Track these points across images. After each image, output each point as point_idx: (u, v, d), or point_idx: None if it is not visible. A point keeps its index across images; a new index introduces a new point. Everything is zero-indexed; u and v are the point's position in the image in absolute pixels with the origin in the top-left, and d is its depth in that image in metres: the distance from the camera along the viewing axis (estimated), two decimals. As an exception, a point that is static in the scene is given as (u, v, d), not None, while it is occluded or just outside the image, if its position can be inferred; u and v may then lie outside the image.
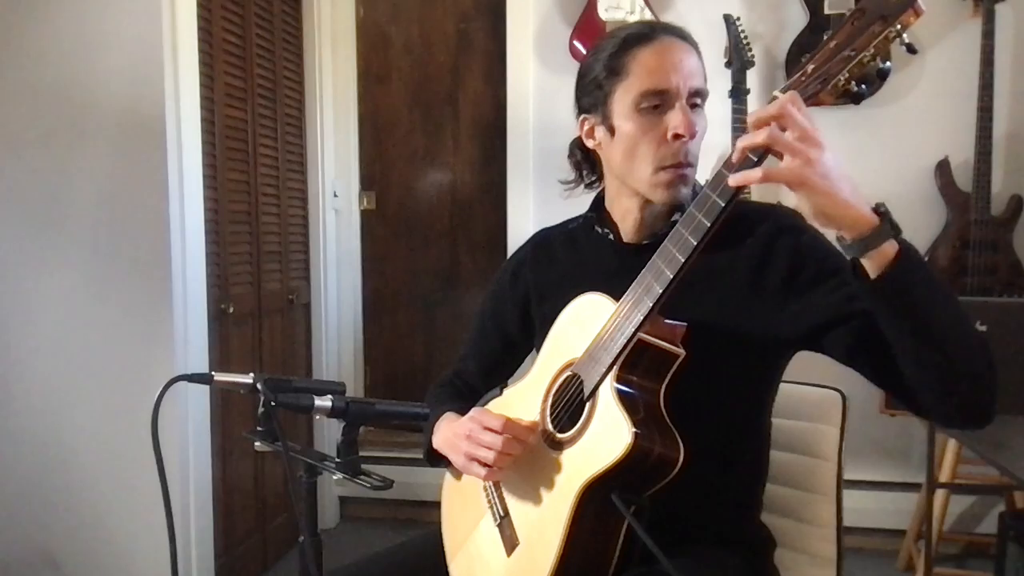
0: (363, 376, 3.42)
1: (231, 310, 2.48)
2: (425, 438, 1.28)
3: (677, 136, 1.08)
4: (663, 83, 1.09)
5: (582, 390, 1.08)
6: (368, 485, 1.14)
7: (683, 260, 0.97)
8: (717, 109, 2.63)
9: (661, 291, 0.99)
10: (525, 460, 1.12)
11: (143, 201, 2.17)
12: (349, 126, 3.29)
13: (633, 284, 1.03)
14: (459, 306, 3.35)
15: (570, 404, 1.10)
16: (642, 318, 1.00)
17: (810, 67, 0.88)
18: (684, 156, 1.10)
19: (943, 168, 2.70)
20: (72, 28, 2.17)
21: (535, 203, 3.02)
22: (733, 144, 0.92)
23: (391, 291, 3.42)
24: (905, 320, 0.92)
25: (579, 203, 1.33)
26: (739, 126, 2.60)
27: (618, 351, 1.02)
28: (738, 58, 2.65)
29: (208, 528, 2.34)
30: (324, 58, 3.12)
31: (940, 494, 2.39)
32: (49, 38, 2.18)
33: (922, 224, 2.73)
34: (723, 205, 0.92)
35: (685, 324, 1.06)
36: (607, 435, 1.01)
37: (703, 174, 1.11)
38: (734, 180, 0.91)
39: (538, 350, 1.23)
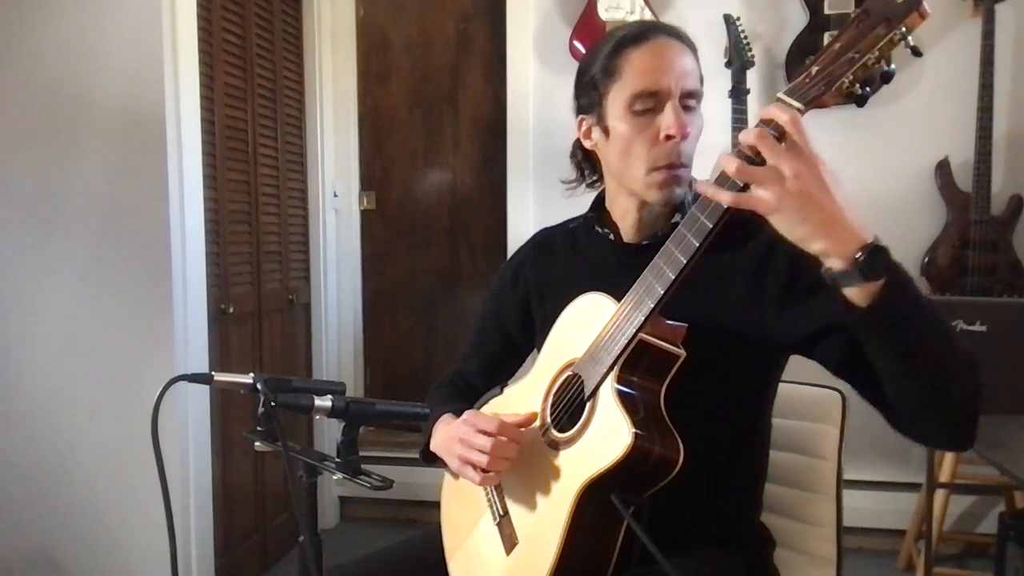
0: (363, 376, 3.42)
1: (231, 310, 2.48)
2: (423, 439, 1.28)
3: (669, 137, 1.08)
4: (654, 84, 1.09)
5: (582, 390, 1.08)
6: (368, 485, 1.14)
7: (685, 261, 0.96)
8: (717, 109, 2.63)
9: (662, 292, 0.99)
10: (525, 460, 1.12)
11: (143, 201, 2.17)
12: (349, 126, 3.29)
13: (635, 285, 1.03)
14: (459, 306, 3.35)
15: (570, 404, 1.10)
16: (643, 319, 1.00)
17: (814, 69, 0.87)
18: (677, 157, 1.10)
19: (943, 168, 2.70)
20: (72, 28, 2.17)
21: (535, 203, 3.02)
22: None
23: (391, 291, 3.42)
24: (888, 349, 0.91)
25: (579, 203, 1.32)
26: (739, 126, 2.60)
27: (619, 351, 1.02)
28: (738, 58, 2.64)
29: (208, 528, 2.34)
30: (324, 58, 3.12)
31: (940, 494, 2.39)
32: (49, 38, 2.18)
33: (922, 224, 2.73)
34: (725, 207, 0.92)
35: (686, 325, 1.06)
36: (607, 435, 1.01)
37: (703, 174, 1.11)
38: (702, 188, 0.91)
39: (539, 350, 1.23)
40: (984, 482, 2.62)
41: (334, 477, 1.15)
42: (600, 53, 1.14)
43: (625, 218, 1.20)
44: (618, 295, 1.07)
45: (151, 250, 2.17)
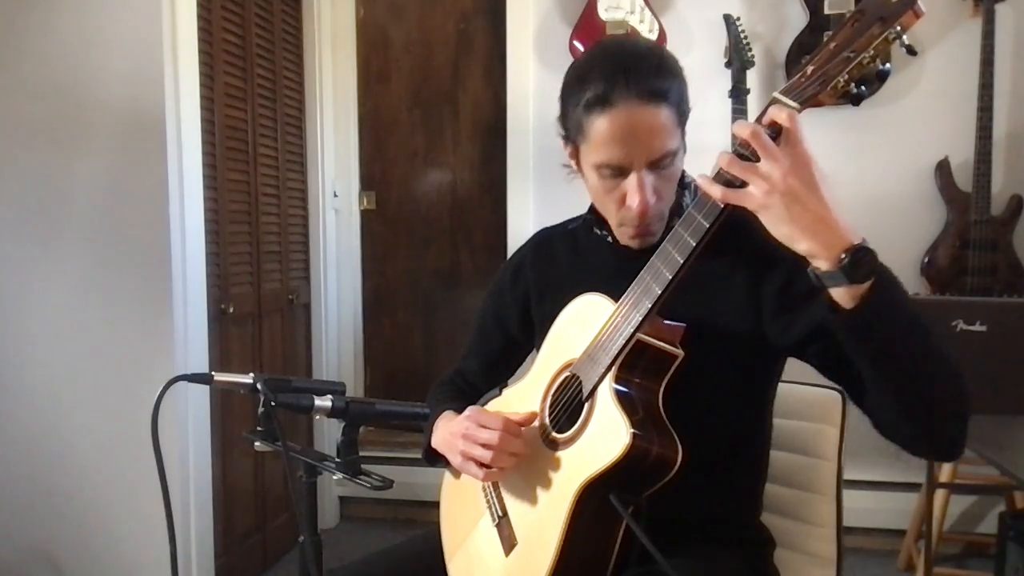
0: (363, 376, 3.43)
1: (231, 310, 2.48)
2: (424, 437, 1.28)
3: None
4: (616, 158, 1.05)
5: (581, 390, 1.08)
6: (368, 485, 1.14)
7: (681, 261, 0.97)
8: (717, 109, 2.64)
9: (660, 292, 0.99)
10: (524, 460, 1.12)
11: (143, 201, 2.17)
12: (349, 126, 3.29)
13: (632, 285, 1.03)
14: (459, 306, 3.35)
15: (569, 404, 1.10)
16: (641, 319, 1.01)
17: (809, 68, 0.88)
18: (642, 222, 1.09)
19: (943, 168, 2.70)
20: (72, 28, 2.17)
21: (535, 203, 3.02)
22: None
23: (391, 291, 3.42)
24: (864, 352, 0.91)
25: (579, 204, 1.32)
26: (739, 126, 2.60)
27: (617, 351, 1.03)
28: (738, 58, 2.64)
29: (208, 528, 2.34)
30: (324, 58, 3.12)
31: (940, 494, 2.39)
32: (49, 38, 2.19)
33: (922, 224, 2.73)
34: (721, 207, 0.92)
35: (684, 325, 1.06)
36: (605, 435, 1.01)
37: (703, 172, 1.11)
38: (700, 181, 0.93)
39: (538, 350, 1.23)
40: (984, 482, 2.62)
41: (334, 477, 1.15)
42: (576, 97, 1.07)
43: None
44: (617, 296, 1.07)
45: (151, 250, 2.18)
